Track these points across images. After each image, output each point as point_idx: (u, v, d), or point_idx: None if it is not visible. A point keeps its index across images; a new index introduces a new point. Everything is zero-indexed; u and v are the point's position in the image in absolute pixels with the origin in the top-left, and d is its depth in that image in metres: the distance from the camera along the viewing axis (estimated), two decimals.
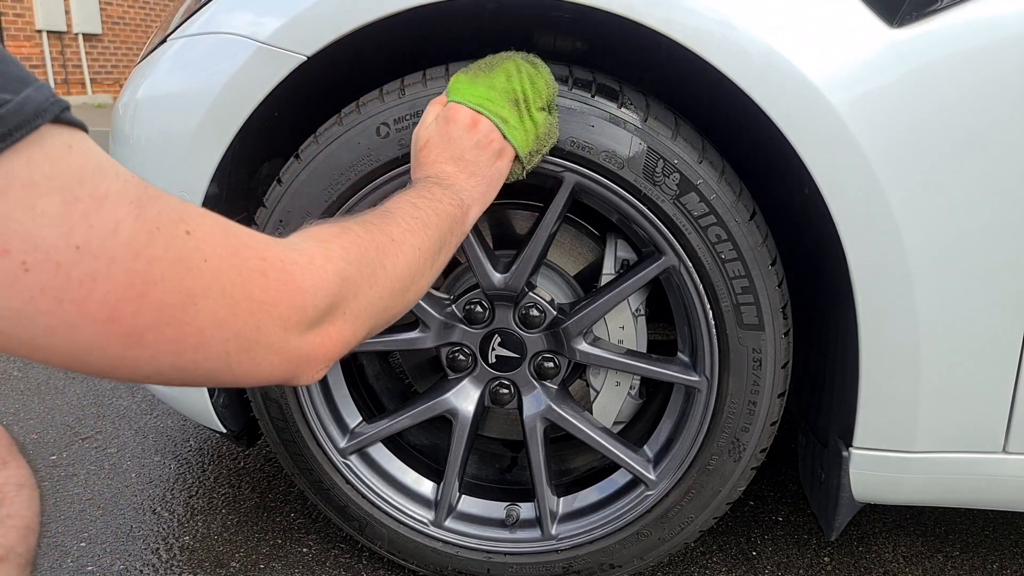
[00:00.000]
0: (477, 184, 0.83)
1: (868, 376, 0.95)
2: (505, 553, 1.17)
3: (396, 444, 1.25)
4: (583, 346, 1.08)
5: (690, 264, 0.98)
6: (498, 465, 1.37)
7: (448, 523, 1.19)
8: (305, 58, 0.94)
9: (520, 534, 1.18)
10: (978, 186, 0.85)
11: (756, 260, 0.96)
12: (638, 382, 1.17)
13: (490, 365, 1.13)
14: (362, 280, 0.62)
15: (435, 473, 1.23)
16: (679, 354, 1.09)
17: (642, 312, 1.13)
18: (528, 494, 1.20)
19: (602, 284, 1.11)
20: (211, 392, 1.16)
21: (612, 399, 1.17)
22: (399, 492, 1.21)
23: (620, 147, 0.93)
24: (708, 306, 0.99)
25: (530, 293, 1.08)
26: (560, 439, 1.30)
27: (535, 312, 1.08)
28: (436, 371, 1.35)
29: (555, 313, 1.09)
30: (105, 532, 1.38)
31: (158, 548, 1.34)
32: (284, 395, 1.13)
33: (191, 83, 1.00)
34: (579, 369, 1.18)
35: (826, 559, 1.33)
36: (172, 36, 1.05)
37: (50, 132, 0.41)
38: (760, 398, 1.02)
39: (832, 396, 1.07)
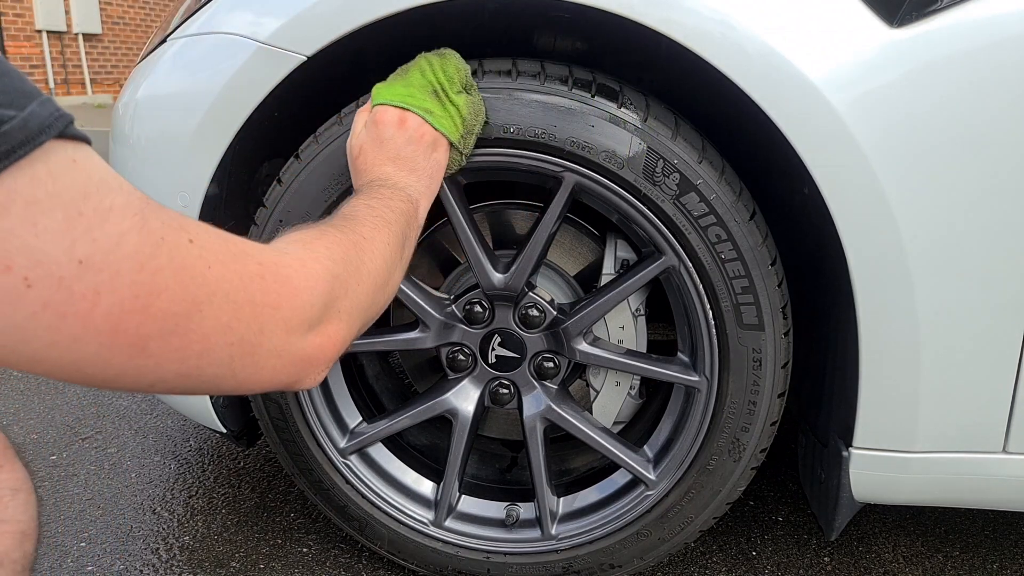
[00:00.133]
0: (420, 178, 0.85)
1: (868, 376, 0.95)
2: (505, 553, 1.17)
3: (396, 444, 1.25)
4: (583, 346, 1.08)
5: (690, 264, 0.97)
6: (498, 465, 1.37)
7: (448, 523, 1.19)
8: (305, 58, 0.94)
9: (520, 534, 1.18)
10: (978, 186, 0.85)
11: (756, 260, 0.96)
12: (638, 382, 1.17)
13: (490, 365, 1.13)
14: (349, 277, 0.63)
15: (435, 473, 1.23)
16: (679, 354, 1.09)
17: (642, 312, 1.13)
18: (528, 494, 1.20)
19: (602, 284, 1.11)
20: None
21: (612, 399, 1.17)
22: (399, 492, 1.21)
23: (620, 147, 0.93)
24: (708, 306, 0.99)
25: (530, 293, 1.08)
26: (560, 439, 1.30)
27: (535, 312, 1.08)
28: (436, 371, 1.35)
29: (555, 313, 1.09)
30: (105, 532, 1.38)
31: (158, 548, 1.34)
32: (284, 395, 1.13)
33: (191, 83, 1.00)
34: (579, 369, 1.18)
35: (826, 559, 1.33)
36: (172, 36, 1.05)
37: (54, 148, 0.41)
38: (760, 398, 1.02)
39: (832, 396, 1.07)
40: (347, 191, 1.00)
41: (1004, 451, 0.97)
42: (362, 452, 1.20)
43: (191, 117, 0.99)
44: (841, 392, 1.02)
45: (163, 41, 1.07)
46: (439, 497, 1.19)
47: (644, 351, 1.14)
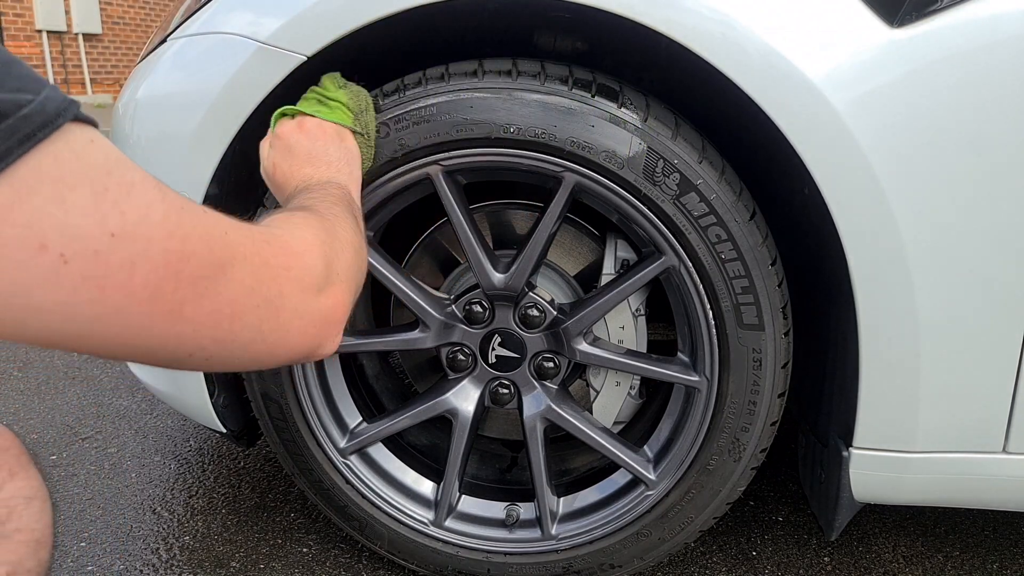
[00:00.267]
0: (339, 168, 0.87)
1: (868, 376, 0.95)
2: (505, 553, 1.17)
3: (396, 444, 1.25)
4: (583, 346, 1.08)
5: (690, 264, 0.98)
6: (498, 465, 1.37)
7: (448, 523, 1.19)
8: (305, 58, 0.94)
9: (520, 534, 1.18)
10: (978, 185, 0.85)
11: (756, 260, 0.96)
12: (638, 382, 1.17)
13: (490, 365, 1.13)
14: (333, 242, 0.66)
15: (435, 473, 1.23)
16: (679, 354, 1.09)
17: (642, 312, 1.13)
18: (528, 494, 1.20)
19: (602, 284, 1.11)
20: (211, 392, 1.16)
21: (612, 399, 1.17)
22: (399, 492, 1.21)
23: (620, 147, 0.93)
24: (708, 306, 0.99)
25: (530, 293, 1.08)
26: (560, 439, 1.30)
27: (535, 312, 1.08)
28: (436, 371, 1.35)
29: (555, 313, 1.09)
30: (105, 532, 1.38)
31: (158, 548, 1.34)
32: (284, 395, 1.13)
33: (191, 83, 1.00)
34: (579, 369, 1.18)
35: (826, 559, 1.33)
36: (172, 36, 1.05)
37: (71, 129, 0.42)
38: (760, 398, 1.02)
39: (832, 396, 1.07)
40: None
41: (1004, 451, 0.97)
42: (362, 452, 1.20)
43: (191, 117, 0.99)
44: (841, 392, 1.02)
45: (163, 41, 1.07)
46: (439, 497, 1.19)
47: (644, 351, 1.14)
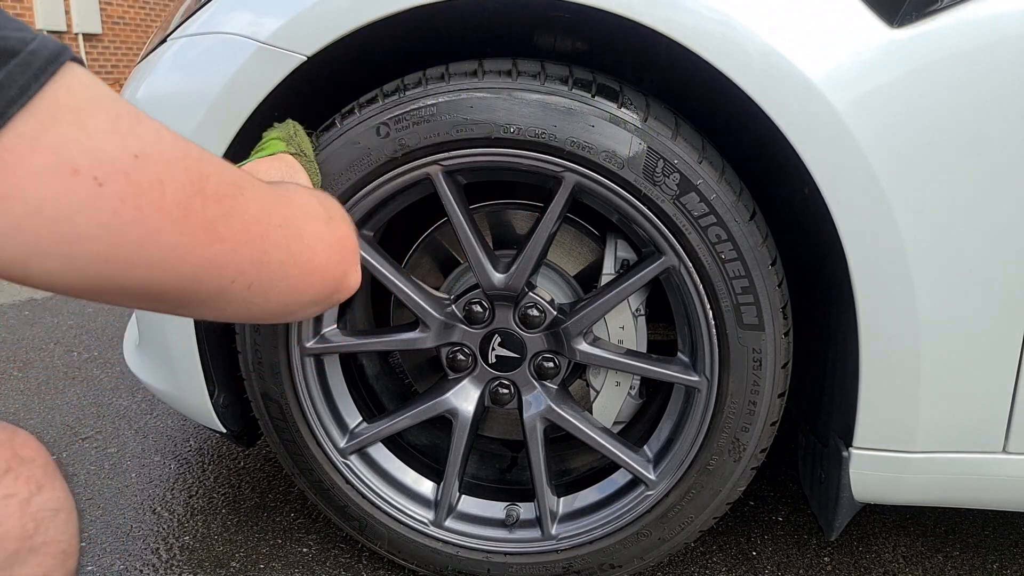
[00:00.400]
0: (286, 177, 0.89)
1: (868, 376, 0.95)
2: (505, 553, 1.17)
3: (396, 444, 1.25)
4: (583, 346, 1.08)
5: (690, 264, 0.97)
6: (498, 465, 1.37)
7: (448, 523, 1.19)
8: (305, 58, 0.94)
9: (520, 534, 1.18)
10: (978, 185, 0.85)
11: (756, 260, 0.96)
12: (638, 382, 1.17)
13: (490, 365, 1.13)
14: (314, 192, 0.69)
15: (435, 473, 1.23)
16: (679, 354, 1.09)
17: (642, 312, 1.13)
18: (528, 494, 1.20)
19: (602, 284, 1.11)
20: (211, 392, 1.16)
21: (612, 399, 1.17)
22: (399, 492, 1.21)
23: (620, 147, 0.93)
24: (708, 306, 0.99)
25: (530, 293, 1.08)
26: (560, 439, 1.30)
27: (535, 312, 1.08)
28: (436, 371, 1.35)
29: (555, 313, 1.09)
30: (105, 532, 1.38)
31: (158, 548, 1.34)
32: (284, 395, 1.13)
33: (191, 83, 1.00)
34: (579, 369, 1.18)
35: (826, 559, 1.33)
36: (172, 36, 1.05)
37: (73, 66, 0.44)
38: (760, 398, 1.02)
39: (832, 396, 1.07)
40: (348, 191, 1.00)
41: (1004, 451, 0.97)
42: (362, 452, 1.20)
43: (191, 117, 0.99)
44: (841, 392, 1.02)
45: (163, 41, 1.07)
46: (439, 497, 1.19)
47: (644, 351, 1.14)
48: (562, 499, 1.19)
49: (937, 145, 0.84)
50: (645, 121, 0.93)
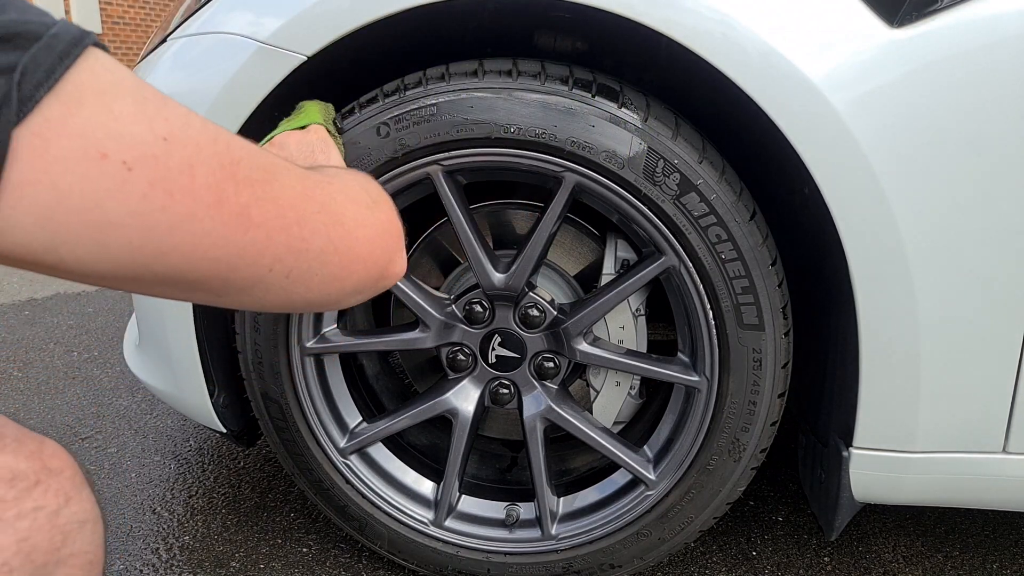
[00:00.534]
0: (320, 152, 0.88)
1: (868, 376, 0.95)
2: (505, 553, 1.17)
3: (396, 444, 1.25)
4: (583, 346, 1.08)
5: (690, 264, 0.98)
6: (498, 465, 1.37)
7: (448, 523, 1.19)
8: (305, 58, 0.94)
9: (520, 534, 1.18)
10: (978, 185, 0.85)
11: (756, 260, 0.96)
12: (638, 382, 1.17)
13: (490, 365, 1.13)
14: (356, 175, 0.68)
15: (435, 473, 1.23)
16: (679, 354, 1.09)
17: (642, 312, 1.13)
18: (528, 494, 1.20)
19: (602, 284, 1.11)
20: (211, 392, 1.16)
21: (612, 399, 1.17)
22: (399, 492, 1.21)
23: (620, 147, 0.93)
24: (708, 306, 0.99)
25: (530, 293, 1.08)
26: (560, 439, 1.30)
27: (535, 312, 1.08)
28: (436, 371, 1.35)
29: (555, 313, 1.09)
30: (105, 532, 1.38)
31: (158, 548, 1.34)
32: (284, 395, 1.13)
33: (191, 83, 1.00)
34: (579, 369, 1.18)
35: (826, 559, 1.33)
36: (172, 36, 1.05)
37: (95, 51, 0.43)
38: (760, 398, 1.02)
39: (832, 396, 1.07)
40: None
41: (1004, 451, 0.97)
42: (362, 452, 1.20)
43: None
44: (841, 392, 1.02)
45: (163, 41, 1.07)
46: (439, 497, 1.19)
47: (644, 351, 1.14)
48: (562, 499, 1.19)
49: (937, 145, 0.84)
50: (645, 121, 0.93)
